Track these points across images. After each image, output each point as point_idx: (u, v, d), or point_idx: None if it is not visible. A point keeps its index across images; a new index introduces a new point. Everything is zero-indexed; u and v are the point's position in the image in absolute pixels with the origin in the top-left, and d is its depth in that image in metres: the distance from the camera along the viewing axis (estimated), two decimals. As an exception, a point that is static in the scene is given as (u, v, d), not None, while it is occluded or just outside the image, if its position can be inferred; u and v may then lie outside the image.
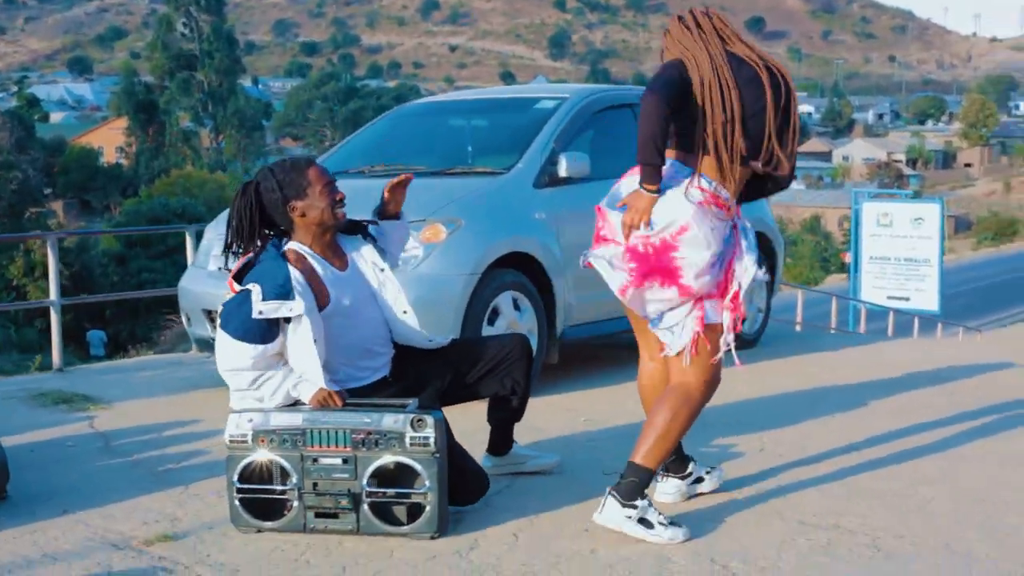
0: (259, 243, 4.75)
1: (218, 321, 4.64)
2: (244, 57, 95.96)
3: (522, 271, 7.27)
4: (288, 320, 4.53)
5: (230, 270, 4.75)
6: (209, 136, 79.94)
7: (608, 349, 9.12)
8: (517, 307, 7.20)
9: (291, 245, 4.76)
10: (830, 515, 4.77)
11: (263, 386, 4.60)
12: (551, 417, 6.69)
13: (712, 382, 4.68)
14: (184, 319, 7.66)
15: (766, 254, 9.44)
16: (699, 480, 5.06)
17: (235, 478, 4.53)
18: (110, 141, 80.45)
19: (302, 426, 4.50)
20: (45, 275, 34.34)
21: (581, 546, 4.43)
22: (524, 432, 6.17)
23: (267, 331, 4.52)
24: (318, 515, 4.51)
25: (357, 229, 4.99)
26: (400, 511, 4.49)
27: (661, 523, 4.45)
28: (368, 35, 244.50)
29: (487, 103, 9.06)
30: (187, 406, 7.19)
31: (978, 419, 6.60)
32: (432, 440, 4.43)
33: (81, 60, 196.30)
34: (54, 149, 69.02)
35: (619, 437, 6.20)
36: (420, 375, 4.99)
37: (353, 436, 4.47)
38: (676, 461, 5.02)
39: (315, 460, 4.48)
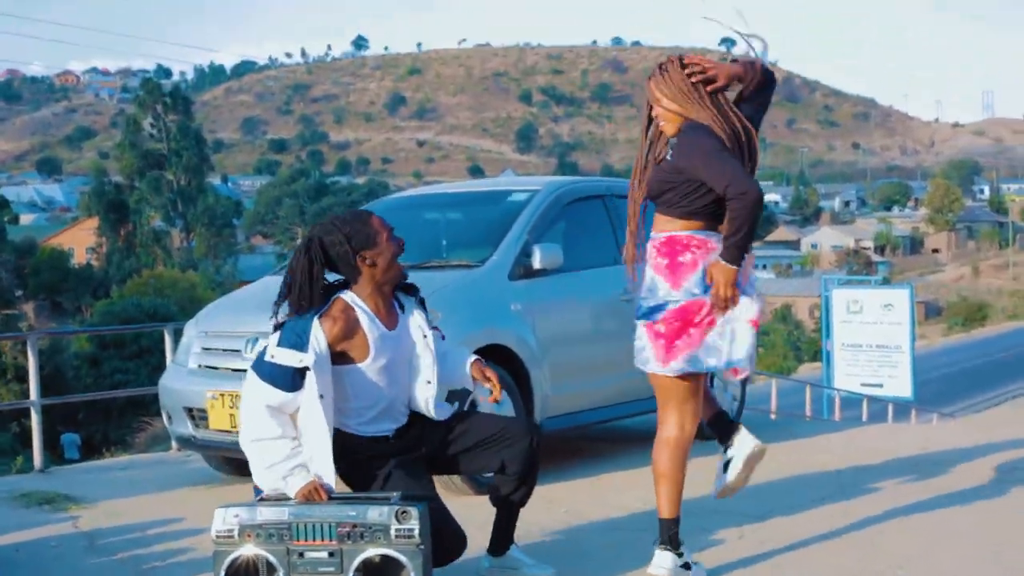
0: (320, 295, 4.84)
1: (248, 370, 4.79)
2: (213, 155, 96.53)
3: (499, 363, 7.34)
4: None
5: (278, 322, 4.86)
6: (180, 235, 79.92)
7: (587, 441, 9.16)
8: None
9: (344, 295, 4.84)
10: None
11: (266, 455, 4.68)
12: (531, 508, 6.71)
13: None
14: (165, 417, 7.69)
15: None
16: (687, 567, 5.05)
17: (222, 574, 4.56)
18: (80, 242, 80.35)
19: (288, 520, 4.54)
20: (17, 377, 34.57)
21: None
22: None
23: (293, 380, 4.65)
24: None
25: (412, 290, 5.08)
26: None
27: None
28: (336, 131, 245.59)
29: (460, 197, 9.20)
30: (170, 504, 7.21)
31: (954, 502, 6.68)
32: (416, 532, 4.49)
33: (50, 161, 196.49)
34: (24, 251, 68.96)
35: (602, 529, 6.25)
36: (420, 437, 5.05)
37: (338, 529, 4.51)
38: (675, 535, 5.05)
39: (301, 554, 4.52)
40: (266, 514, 4.58)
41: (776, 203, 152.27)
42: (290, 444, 4.70)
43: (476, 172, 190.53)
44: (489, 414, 5.29)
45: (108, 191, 75.41)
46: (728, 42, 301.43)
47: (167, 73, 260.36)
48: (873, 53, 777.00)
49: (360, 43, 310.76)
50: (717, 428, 5.37)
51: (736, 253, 4.81)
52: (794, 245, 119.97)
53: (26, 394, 30.71)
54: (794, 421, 14.15)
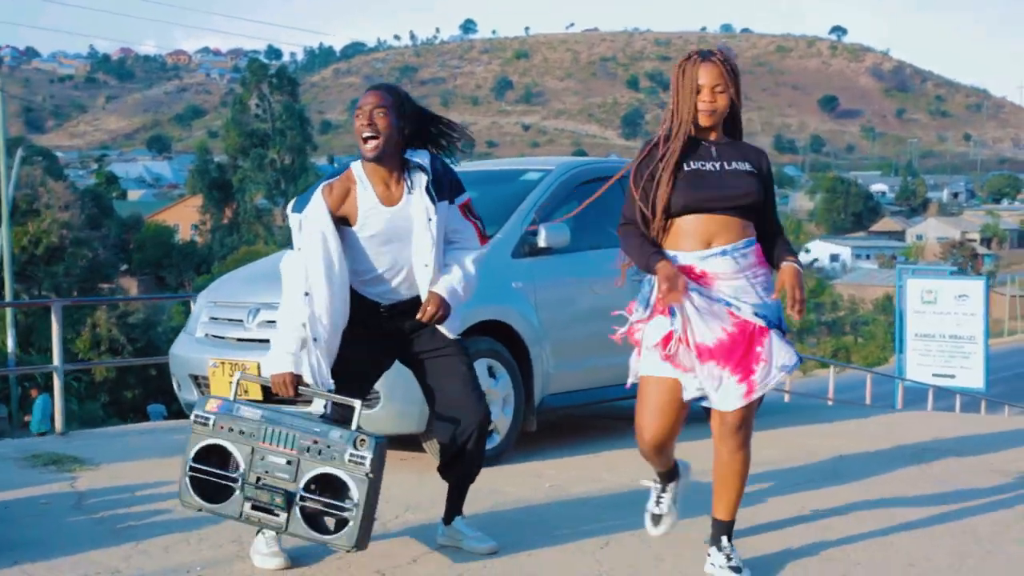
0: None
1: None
2: (320, 136, 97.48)
3: (500, 339, 7.42)
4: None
5: None
6: (281, 214, 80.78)
7: (585, 419, 9.19)
8: (492, 375, 7.33)
9: (354, 165, 5.02)
10: (753, 576, 4.85)
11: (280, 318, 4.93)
12: (516, 481, 6.80)
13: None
14: (175, 384, 7.86)
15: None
16: (736, 570, 4.81)
17: (191, 456, 4.76)
18: (186, 218, 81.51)
19: (259, 422, 4.73)
20: (111, 349, 35.23)
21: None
22: (483, 496, 6.32)
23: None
24: (254, 507, 4.72)
25: (440, 187, 5.10)
26: (330, 522, 4.68)
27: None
28: (442, 114, 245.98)
29: (478, 175, 9.24)
30: (170, 469, 7.34)
31: (954, 498, 6.64)
32: (368, 461, 4.62)
33: (160, 139, 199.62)
34: (130, 226, 70.08)
35: (580, 505, 6.30)
36: (407, 332, 5.16)
37: (300, 441, 4.68)
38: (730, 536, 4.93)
39: (264, 456, 4.71)
40: (243, 412, 4.79)
41: (883, 193, 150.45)
42: (289, 325, 4.87)
43: (580, 156, 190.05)
44: (464, 376, 5.25)
45: (211, 169, 76.39)
46: (839, 30, 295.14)
47: (277, 54, 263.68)
48: (987, 43, 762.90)
49: (468, 26, 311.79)
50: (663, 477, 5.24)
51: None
52: (899, 236, 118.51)
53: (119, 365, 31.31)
54: (834, 409, 14.00)
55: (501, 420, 7.36)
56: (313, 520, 4.68)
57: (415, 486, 6.56)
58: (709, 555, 4.83)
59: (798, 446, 8.08)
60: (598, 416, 9.36)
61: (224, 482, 4.74)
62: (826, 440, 8.39)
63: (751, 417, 4.72)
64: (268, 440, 4.71)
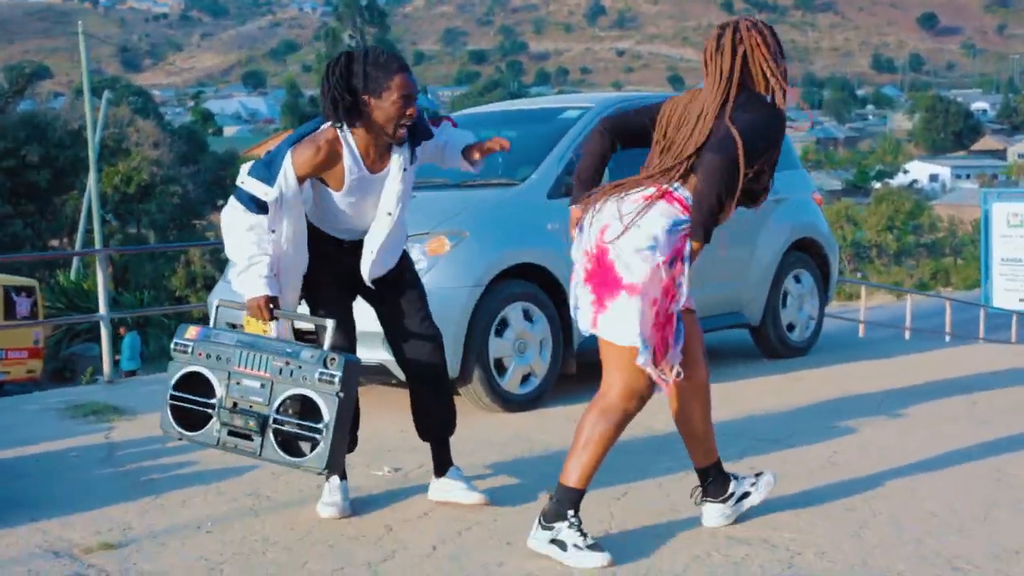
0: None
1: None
2: (415, 67, 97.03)
3: (535, 282, 7.31)
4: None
5: None
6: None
7: None
8: (529, 318, 7.24)
9: (341, 127, 4.82)
10: (766, 530, 4.73)
11: (237, 263, 4.85)
12: (548, 427, 6.72)
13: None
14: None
15: (817, 261, 9.31)
16: (745, 495, 4.81)
17: (172, 384, 4.77)
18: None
19: (234, 346, 4.73)
20: (206, 286, 35.61)
21: (491, 558, 4.48)
22: (511, 442, 6.25)
23: (259, 205, 4.76)
24: (231, 433, 4.71)
25: (415, 135, 5.00)
26: (305, 446, 4.63)
27: (576, 546, 4.35)
28: (536, 42, 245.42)
29: (517, 114, 9.11)
30: (207, 417, 7.38)
31: (985, 434, 6.45)
32: (337, 379, 4.56)
33: (255, 74, 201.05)
34: (226, 162, 70.66)
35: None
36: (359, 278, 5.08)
37: (273, 362, 4.65)
38: (715, 483, 4.78)
39: (239, 381, 4.69)
40: (220, 338, 4.79)
41: (984, 111, 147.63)
42: (255, 253, 4.79)
43: (675, 82, 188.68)
44: (422, 317, 5.14)
45: (302, 104, 76.83)
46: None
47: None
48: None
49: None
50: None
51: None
52: (1000, 155, 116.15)
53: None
54: (907, 342, 13.75)
55: (538, 364, 7.28)
56: (287, 445, 4.64)
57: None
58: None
59: (849, 386, 7.90)
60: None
61: (204, 409, 4.73)
62: (879, 380, 8.19)
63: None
64: (242, 364, 4.68)
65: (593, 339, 7.50)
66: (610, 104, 8.26)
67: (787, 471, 5.54)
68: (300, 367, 4.61)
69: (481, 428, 6.65)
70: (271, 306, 4.81)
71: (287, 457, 4.63)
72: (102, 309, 9.25)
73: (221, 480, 5.74)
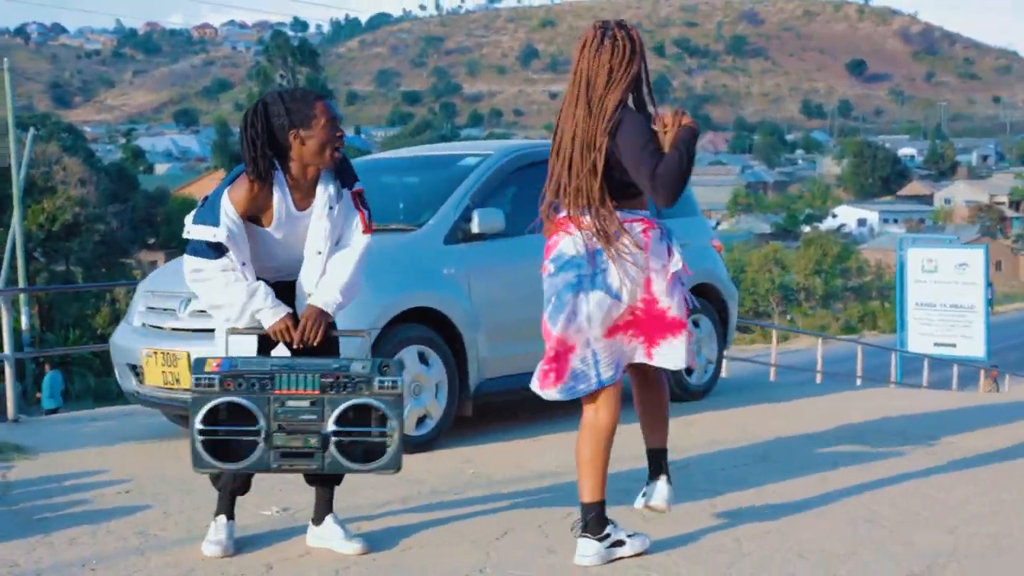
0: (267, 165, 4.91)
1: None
2: (347, 107, 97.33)
3: (430, 325, 7.46)
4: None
5: None
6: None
7: (517, 404, 9.08)
8: (424, 361, 7.37)
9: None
10: (636, 569, 4.86)
11: (224, 312, 4.95)
12: (440, 468, 6.85)
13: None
14: (116, 373, 7.93)
15: (716, 306, 9.53)
16: (619, 543, 4.97)
17: (199, 421, 4.80)
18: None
19: (270, 370, 4.85)
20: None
21: None
22: (399, 484, 6.35)
23: (216, 250, 4.88)
24: (284, 455, 4.84)
25: (341, 175, 5.10)
26: (358, 450, 4.87)
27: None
28: (469, 83, 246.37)
29: (419, 160, 9.30)
30: (106, 457, 7.44)
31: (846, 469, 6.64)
32: (399, 383, 4.85)
33: (187, 112, 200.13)
34: (157, 200, 70.32)
35: (500, 493, 6.33)
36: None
37: (322, 380, 4.84)
38: (595, 520, 4.94)
39: (283, 403, 4.82)
40: (248, 365, 4.87)
41: (911, 157, 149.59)
42: (246, 285, 4.91)
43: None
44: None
45: (232, 142, 76.63)
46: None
47: (303, 26, 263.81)
48: (1017, 4, 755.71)
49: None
50: (651, 462, 5.30)
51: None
52: (927, 200, 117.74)
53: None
54: (819, 385, 13.96)
55: (433, 406, 7.42)
56: (349, 454, 4.86)
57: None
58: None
59: (741, 430, 8.08)
60: (520, 401, 9.31)
61: (247, 438, 4.82)
62: (772, 423, 8.38)
63: None
64: (284, 387, 4.83)
65: (489, 382, 7.67)
66: (510, 152, 8.45)
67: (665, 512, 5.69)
68: (354, 379, 4.84)
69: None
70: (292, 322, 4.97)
71: (356, 465, 4.86)
72: (5, 348, 9.30)
73: (111, 519, 5.81)
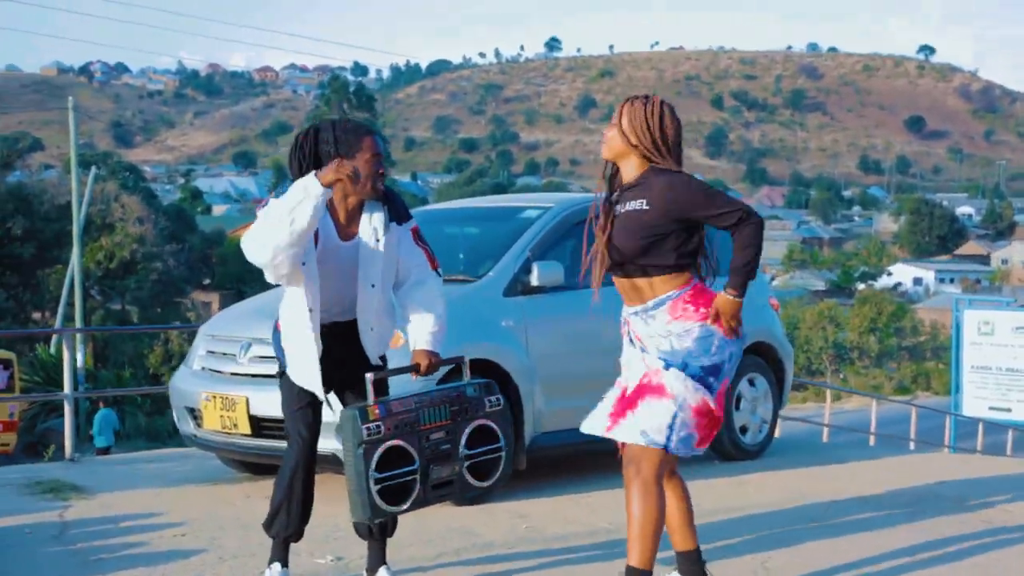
0: None
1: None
2: (405, 152, 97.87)
3: (488, 377, 7.47)
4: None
5: None
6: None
7: (573, 458, 9.07)
8: (480, 413, 7.38)
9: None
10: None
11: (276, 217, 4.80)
12: (494, 521, 6.85)
13: None
14: (175, 416, 8.00)
15: (772, 365, 9.50)
16: None
17: (373, 469, 4.87)
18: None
19: (415, 408, 5.01)
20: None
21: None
22: (455, 537, 6.37)
23: None
24: (434, 487, 5.03)
25: (388, 203, 5.17)
26: (481, 469, 5.17)
27: None
28: (526, 132, 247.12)
29: (480, 212, 9.36)
30: (162, 499, 7.51)
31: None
32: (503, 401, 5.30)
33: (246, 154, 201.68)
34: (214, 241, 70.88)
35: (550, 549, 6.34)
36: (344, 363, 5.19)
37: (451, 408, 5.07)
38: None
39: (428, 437, 5.01)
40: (396, 407, 4.99)
41: (969, 216, 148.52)
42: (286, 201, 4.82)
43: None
44: None
45: (290, 184, 77.07)
46: (927, 49, 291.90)
47: (363, 70, 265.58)
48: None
49: (553, 44, 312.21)
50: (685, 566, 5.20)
51: (746, 279, 4.76)
52: (984, 260, 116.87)
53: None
54: (873, 448, 13.84)
55: (489, 459, 7.41)
56: (476, 473, 5.12)
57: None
58: None
59: (795, 491, 8.03)
60: (593, 454, 9.31)
61: (408, 479, 4.94)
62: (826, 485, 8.32)
63: (647, 462, 4.76)
64: (427, 421, 5.01)
65: (543, 436, 7.68)
66: (571, 205, 8.48)
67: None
68: (470, 402, 5.12)
69: (426, 520, 6.77)
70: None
71: (482, 483, 5.16)
72: (66, 388, 9.40)
73: (167, 562, 5.87)
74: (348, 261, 5.08)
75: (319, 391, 5.07)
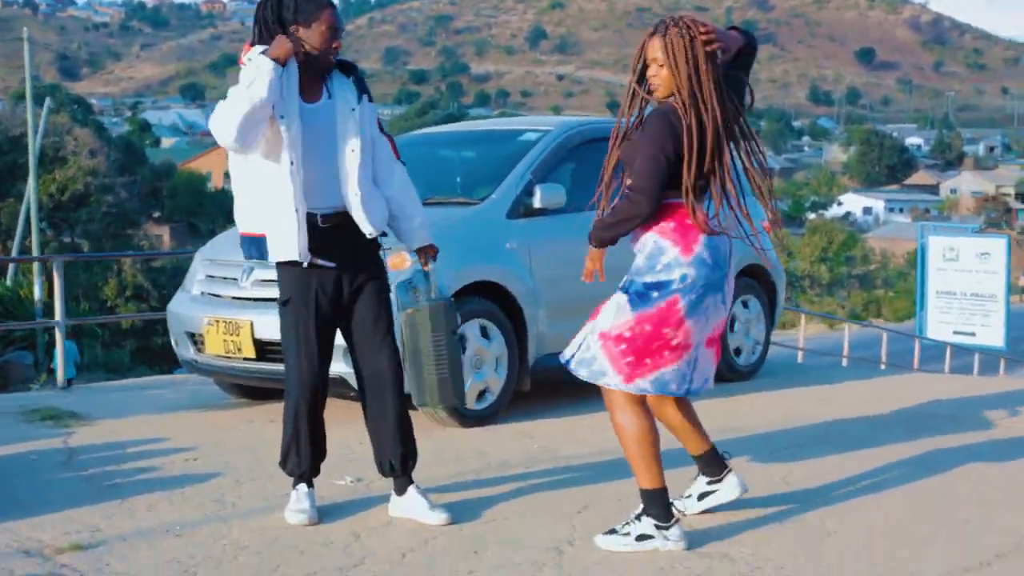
0: None
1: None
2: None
3: (493, 299, 7.44)
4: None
5: None
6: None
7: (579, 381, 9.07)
8: (486, 335, 7.34)
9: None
10: (725, 545, 4.86)
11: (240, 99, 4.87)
12: (504, 442, 6.83)
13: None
14: (173, 341, 7.91)
15: (765, 288, 9.49)
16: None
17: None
18: (218, 166, 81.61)
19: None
20: (137, 296, 35.51)
21: (461, 567, 4.59)
22: (469, 458, 6.35)
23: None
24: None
25: (347, 70, 5.23)
26: None
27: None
28: (477, 63, 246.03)
29: (477, 135, 9.26)
30: (165, 425, 7.42)
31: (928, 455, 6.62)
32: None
33: (194, 86, 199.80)
34: (163, 174, 70.23)
35: (564, 467, 6.32)
36: (343, 256, 5.16)
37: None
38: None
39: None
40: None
41: (918, 146, 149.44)
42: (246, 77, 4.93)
43: (614, 108, 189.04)
44: (382, 333, 5.28)
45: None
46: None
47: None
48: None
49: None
50: (705, 463, 5.23)
51: (600, 238, 4.87)
52: (933, 190, 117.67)
53: (143, 311, 31.63)
54: (844, 369, 13.94)
55: (493, 380, 7.38)
56: None
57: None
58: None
59: (795, 410, 8.05)
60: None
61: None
62: (823, 405, 8.34)
63: (603, 391, 4.96)
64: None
65: (548, 358, 7.65)
66: (570, 128, 8.41)
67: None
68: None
69: (438, 443, 6.74)
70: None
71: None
72: (58, 315, 9.26)
73: (185, 486, 5.81)
74: (323, 127, 5.09)
75: (304, 254, 5.01)
